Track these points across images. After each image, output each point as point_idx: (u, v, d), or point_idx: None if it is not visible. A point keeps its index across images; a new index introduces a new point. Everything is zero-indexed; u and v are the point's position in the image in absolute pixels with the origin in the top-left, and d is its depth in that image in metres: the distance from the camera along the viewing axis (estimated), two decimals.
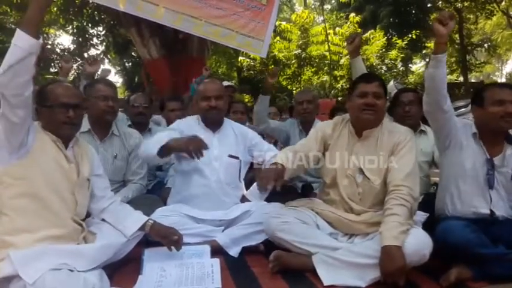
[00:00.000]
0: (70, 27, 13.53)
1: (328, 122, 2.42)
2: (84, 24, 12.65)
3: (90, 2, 9.30)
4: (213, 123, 2.70)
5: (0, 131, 1.71)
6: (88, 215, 2.11)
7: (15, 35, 1.60)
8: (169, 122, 3.92)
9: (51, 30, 16.12)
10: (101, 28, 13.56)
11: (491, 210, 2.14)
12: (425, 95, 2.18)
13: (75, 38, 14.95)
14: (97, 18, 11.86)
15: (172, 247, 2.09)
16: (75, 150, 2.00)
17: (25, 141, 1.77)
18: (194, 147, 2.21)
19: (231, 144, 2.70)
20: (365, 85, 2.18)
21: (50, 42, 17.11)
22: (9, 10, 14.08)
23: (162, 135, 2.42)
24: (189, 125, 2.68)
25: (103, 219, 2.13)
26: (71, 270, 1.68)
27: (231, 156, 2.66)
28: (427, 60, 19.94)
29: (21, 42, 1.59)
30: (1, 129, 1.70)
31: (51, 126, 1.89)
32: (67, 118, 1.87)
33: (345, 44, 11.24)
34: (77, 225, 1.93)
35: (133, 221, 2.10)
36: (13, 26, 15.42)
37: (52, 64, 16.63)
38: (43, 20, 1.65)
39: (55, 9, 10.83)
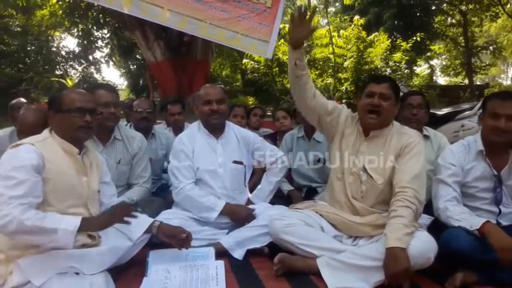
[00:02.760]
0: (75, 30, 13.61)
1: (345, 109, 2.37)
2: (89, 27, 12.72)
3: (96, 4, 9.35)
4: (215, 128, 2.68)
5: None
6: None
7: (66, 223, 1.67)
8: (170, 124, 3.97)
9: (56, 33, 16.25)
10: (105, 31, 13.64)
11: (497, 221, 2.13)
12: None
13: (80, 41, 15.05)
14: (102, 21, 11.93)
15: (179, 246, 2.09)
16: (85, 160, 2.00)
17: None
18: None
19: (235, 150, 2.70)
20: (374, 85, 2.19)
21: (55, 45, 17.25)
22: (14, 13, 14.20)
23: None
24: (191, 137, 2.67)
25: None
26: (78, 274, 1.71)
27: (235, 162, 2.66)
28: (432, 62, 19.91)
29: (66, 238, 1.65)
30: None
31: (67, 131, 1.90)
32: (84, 122, 1.89)
33: (349, 46, 11.16)
34: (89, 239, 1.94)
35: (139, 224, 2.09)
36: (18, 29, 15.57)
37: (57, 67, 16.75)
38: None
39: (60, 12, 10.91)
